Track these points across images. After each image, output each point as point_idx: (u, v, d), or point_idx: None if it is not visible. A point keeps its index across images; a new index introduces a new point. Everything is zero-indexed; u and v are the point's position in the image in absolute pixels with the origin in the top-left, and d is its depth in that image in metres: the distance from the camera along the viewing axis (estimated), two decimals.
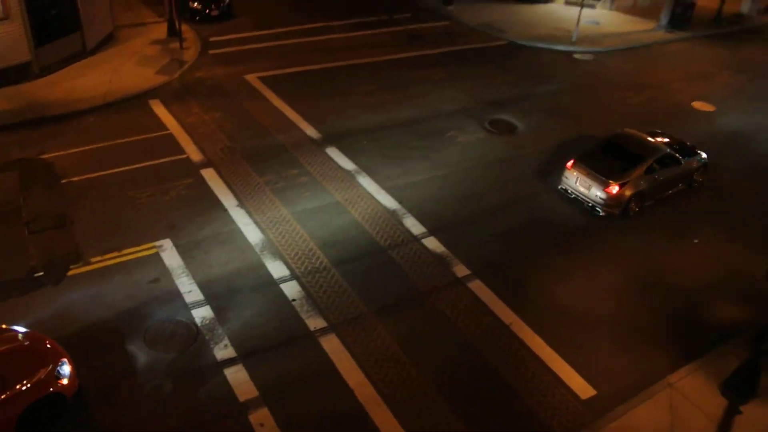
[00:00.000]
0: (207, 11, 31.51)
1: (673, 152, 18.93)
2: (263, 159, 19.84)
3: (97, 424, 11.40)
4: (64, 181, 18.01)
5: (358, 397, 12.32)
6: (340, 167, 19.73)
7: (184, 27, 28.82)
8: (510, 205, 18.59)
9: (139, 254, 15.47)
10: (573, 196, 18.75)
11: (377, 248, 16.37)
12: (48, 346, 11.61)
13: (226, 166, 19.32)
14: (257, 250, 15.93)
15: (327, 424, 11.76)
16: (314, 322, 13.89)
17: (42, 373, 10.99)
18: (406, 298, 14.81)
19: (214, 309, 14.03)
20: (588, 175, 18.10)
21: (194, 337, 13.28)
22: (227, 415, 11.77)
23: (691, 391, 12.82)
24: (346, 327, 13.86)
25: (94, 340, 12.99)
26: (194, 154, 19.85)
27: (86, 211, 16.80)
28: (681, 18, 35.45)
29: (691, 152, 19.81)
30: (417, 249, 16.44)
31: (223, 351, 13.02)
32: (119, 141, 20.26)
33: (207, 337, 13.30)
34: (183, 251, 15.63)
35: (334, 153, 20.46)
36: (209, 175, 18.85)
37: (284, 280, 15.04)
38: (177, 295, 14.34)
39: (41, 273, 14.61)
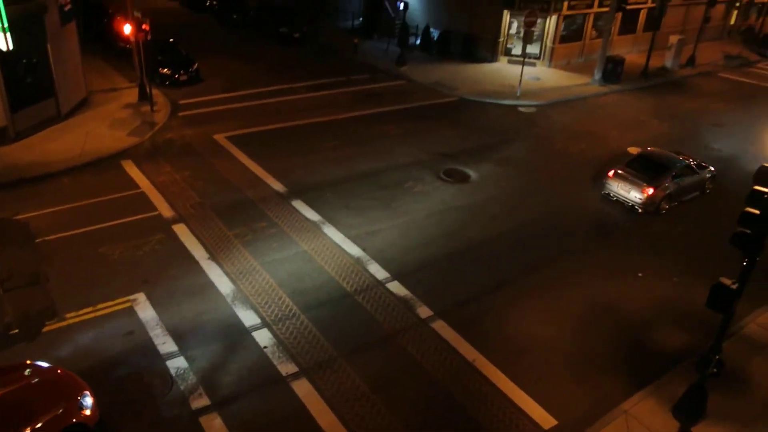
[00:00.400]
0: (176, 76, 31.54)
1: (690, 164, 22.01)
2: (232, 213, 19.64)
3: None
4: (38, 240, 17.52)
5: None
6: (306, 219, 19.63)
7: (155, 91, 28.74)
8: (468, 248, 18.66)
9: (114, 308, 15.03)
10: (615, 198, 21.74)
11: (344, 294, 16.20)
12: (70, 379, 11.81)
13: (197, 221, 19.05)
14: (229, 300, 15.62)
15: None
16: (286, 368, 13.58)
17: (66, 405, 11.15)
18: (373, 340, 14.61)
19: (188, 359, 13.62)
20: (628, 181, 21.08)
21: (169, 387, 12.84)
22: None
23: (645, 417, 12.81)
24: (317, 371, 13.57)
25: None
26: (166, 210, 19.56)
27: (61, 269, 16.33)
28: (612, 73, 36.73)
29: (703, 167, 22.75)
30: (382, 293, 16.32)
31: (198, 399, 12.60)
32: (93, 200, 19.87)
33: (182, 387, 12.87)
34: (156, 304, 15.23)
35: (299, 205, 20.37)
36: (180, 230, 18.55)
37: (256, 328, 14.72)
38: (151, 346, 13.91)
39: (16, 330, 14.05)
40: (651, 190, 20.51)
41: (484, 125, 28.92)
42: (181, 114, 27.80)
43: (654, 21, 38.88)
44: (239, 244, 18.04)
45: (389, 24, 43.68)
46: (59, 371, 11.98)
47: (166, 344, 13.99)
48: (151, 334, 14.28)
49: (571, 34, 40.31)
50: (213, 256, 17.37)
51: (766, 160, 10.68)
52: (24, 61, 23.44)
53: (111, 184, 20.95)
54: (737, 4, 51.00)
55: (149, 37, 26.92)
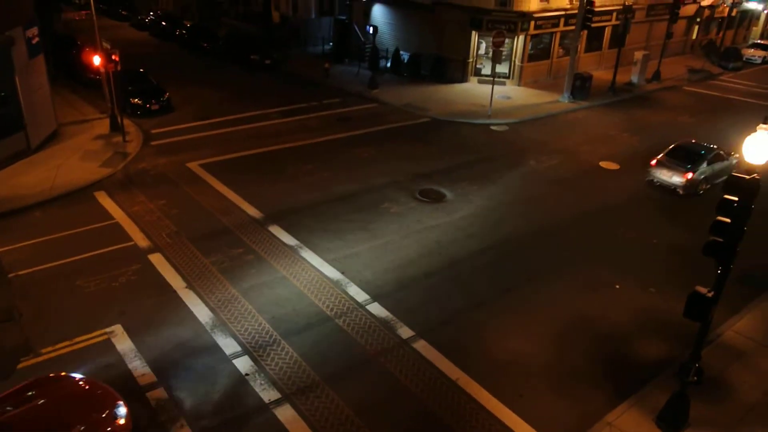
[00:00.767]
0: (147, 106, 31.45)
1: (720, 152, 24.88)
2: (209, 241, 19.51)
3: None
4: (11, 275, 17.14)
5: None
6: (283, 243, 19.57)
7: (126, 121, 28.60)
8: (446, 267, 18.73)
9: (91, 341, 14.79)
10: (658, 183, 24.70)
11: (324, 317, 16.13)
12: (104, 390, 12.21)
13: (173, 250, 18.89)
14: (208, 328, 15.45)
15: None
16: (268, 394, 13.44)
17: (100, 414, 11.56)
18: (356, 363, 14.54)
19: (168, 389, 13.42)
20: (669, 168, 24.26)
21: (151, 419, 12.62)
22: None
23: (630, 428, 12.89)
24: (300, 396, 13.46)
25: None
26: (141, 240, 19.37)
27: (35, 303, 16.04)
28: (581, 90, 37.42)
29: (729, 155, 25.47)
30: (362, 315, 16.28)
31: (180, 430, 12.39)
32: (66, 233, 19.62)
33: (163, 418, 12.66)
34: (134, 335, 15.02)
35: (276, 230, 20.31)
36: (157, 259, 18.37)
37: (236, 355, 14.57)
38: (130, 378, 13.68)
39: None
40: (690, 175, 23.68)
41: (457, 145, 29.21)
42: (153, 143, 27.66)
43: (619, 38, 39.79)
44: (217, 271, 17.91)
45: (359, 48, 44.12)
46: (93, 382, 12.43)
47: (145, 376, 13.78)
48: (130, 366, 14.06)
49: (538, 53, 41.06)
50: (190, 285, 17.20)
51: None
52: None
53: (84, 216, 20.71)
54: (698, 20, 52.43)
55: (119, 68, 26.84)
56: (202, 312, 16.05)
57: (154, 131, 29.15)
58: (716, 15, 55.03)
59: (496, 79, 34.53)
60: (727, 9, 54.56)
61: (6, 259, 17.93)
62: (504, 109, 34.84)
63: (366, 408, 13.23)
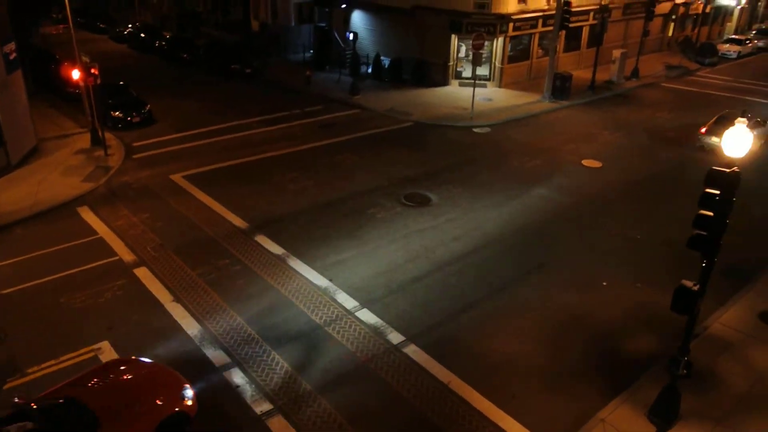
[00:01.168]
0: (129, 118, 31.21)
1: (758, 120, 29.03)
2: (195, 253, 19.36)
3: None
4: None
5: None
6: (270, 253, 19.47)
7: (108, 135, 28.36)
8: (433, 271, 18.72)
9: (78, 359, 14.59)
10: (708, 149, 28.59)
11: (314, 326, 16.04)
12: (172, 373, 13.09)
13: (159, 264, 18.73)
14: (197, 341, 15.31)
15: None
16: (260, 406, 13.33)
17: (170, 394, 12.41)
18: (347, 371, 14.46)
19: None
20: (718, 134, 26.64)
21: None
22: None
23: (623, 423, 12.93)
24: (292, 406, 13.36)
25: None
26: (126, 255, 19.19)
27: (20, 323, 15.82)
28: (561, 89, 37.64)
29: (766, 122, 29.85)
30: (352, 322, 16.21)
31: None
32: (49, 249, 19.40)
33: None
34: (122, 351, 14.83)
35: (262, 240, 20.21)
36: (143, 273, 18.21)
37: (227, 367, 14.44)
38: None
39: None
40: None
41: (440, 148, 29.25)
42: (135, 156, 27.45)
43: (596, 37, 40.14)
44: (204, 283, 17.77)
45: (340, 54, 44.12)
46: (162, 367, 13.38)
47: None
48: None
49: (518, 54, 41.27)
50: (177, 298, 17.06)
51: (712, 163, 11.13)
52: None
53: (68, 232, 20.49)
54: (673, 17, 52.98)
55: (99, 81, 26.63)
56: (190, 325, 15.91)
57: (136, 144, 28.94)
58: (691, 12, 55.70)
59: (477, 81, 34.68)
60: (701, 5, 55.26)
61: None
62: (486, 111, 34.96)
63: (359, 416, 13.16)
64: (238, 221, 21.43)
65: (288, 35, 49.80)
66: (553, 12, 37.49)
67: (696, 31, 56.14)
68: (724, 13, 62.66)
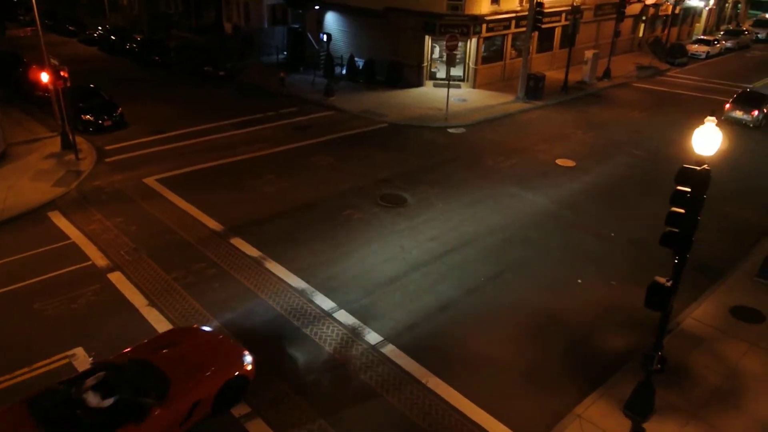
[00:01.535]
0: (100, 122, 30.81)
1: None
2: (170, 256, 19.21)
3: None
4: None
5: None
6: (246, 255, 19.38)
7: (79, 139, 28.00)
8: (409, 271, 18.80)
9: (52, 366, 14.39)
10: (731, 120, 33.44)
11: (292, 327, 16.02)
12: (231, 341, 14.32)
13: (133, 268, 18.55)
14: None
15: None
16: (238, 409, 13.27)
17: (232, 358, 13.47)
18: (325, 371, 14.48)
19: None
20: (741, 108, 33.59)
21: None
22: None
23: (599, 418, 13.11)
24: (270, 409, 13.32)
25: None
26: (99, 259, 18.97)
27: None
28: (535, 90, 38.05)
29: None
30: (329, 323, 16.22)
31: None
32: (20, 256, 19.10)
33: None
34: (96, 357, 14.66)
35: (238, 243, 20.11)
36: (116, 278, 18.01)
37: None
38: None
39: None
40: (756, 112, 33.18)
41: (415, 149, 29.37)
42: (108, 160, 27.14)
43: (569, 38, 40.60)
44: (179, 287, 17.64)
45: (314, 56, 44.05)
46: (223, 335, 14.60)
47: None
48: None
49: (491, 55, 41.60)
50: (153, 302, 16.91)
51: (683, 162, 11.35)
52: None
53: (39, 238, 20.19)
54: (643, 18, 53.85)
55: (68, 84, 26.27)
56: (165, 329, 15.75)
57: (108, 147, 28.61)
58: (661, 13, 56.64)
59: (451, 82, 34.90)
60: (670, 7, 56.19)
61: None
62: (460, 111, 35.18)
63: (336, 415, 13.18)
64: (213, 224, 21.30)
65: (261, 37, 49.61)
66: (526, 13, 37.89)
67: (666, 31, 57.07)
68: (693, 14, 63.83)
